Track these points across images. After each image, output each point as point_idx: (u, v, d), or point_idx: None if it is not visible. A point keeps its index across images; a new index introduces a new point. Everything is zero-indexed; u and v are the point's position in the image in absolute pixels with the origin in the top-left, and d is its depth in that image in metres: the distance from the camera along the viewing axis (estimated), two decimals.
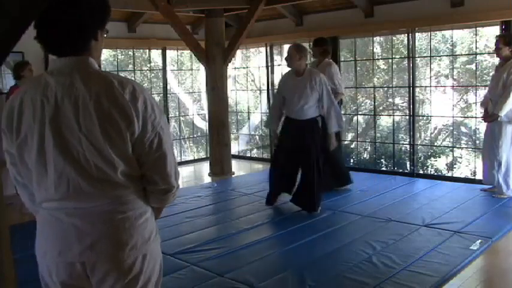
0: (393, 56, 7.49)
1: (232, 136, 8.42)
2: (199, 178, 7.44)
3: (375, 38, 7.35)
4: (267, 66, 8.32)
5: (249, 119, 9.27)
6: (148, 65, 8.54)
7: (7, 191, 4.90)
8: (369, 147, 8.08)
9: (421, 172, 7.12)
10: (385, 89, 7.77)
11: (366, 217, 4.80)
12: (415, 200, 5.41)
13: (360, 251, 3.88)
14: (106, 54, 8.10)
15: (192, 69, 8.95)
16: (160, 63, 8.30)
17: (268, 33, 7.91)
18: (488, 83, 5.55)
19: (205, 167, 7.71)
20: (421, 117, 7.52)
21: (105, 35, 1.62)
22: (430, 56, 6.90)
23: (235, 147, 8.78)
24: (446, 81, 7.74)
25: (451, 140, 7.55)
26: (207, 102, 7.47)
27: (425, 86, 7.16)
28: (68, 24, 1.50)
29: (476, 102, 6.43)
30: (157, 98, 7.81)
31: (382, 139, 7.73)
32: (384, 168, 7.48)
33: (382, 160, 7.74)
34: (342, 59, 7.49)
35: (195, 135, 9.39)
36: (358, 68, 7.46)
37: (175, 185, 1.65)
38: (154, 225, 1.67)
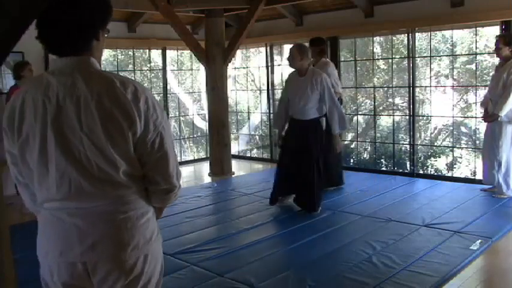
0: (393, 56, 7.49)
1: (232, 136, 8.42)
2: (199, 178, 7.44)
3: (375, 38, 7.35)
4: (267, 66, 8.32)
5: (249, 119, 9.27)
6: (148, 65, 8.54)
7: (7, 191, 4.91)
8: (369, 147, 8.08)
9: (421, 172, 7.12)
10: (385, 89, 7.77)
11: (366, 217, 4.80)
12: (415, 200, 5.41)
13: (360, 251, 3.88)
14: (106, 54, 8.09)
15: (192, 69, 8.95)
16: (160, 63, 8.30)
17: (268, 33, 7.91)
18: (488, 83, 5.55)
19: (205, 167, 7.72)
20: (421, 117, 7.52)
21: (106, 35, 1.62)
22: (430, 56, 6.90)
23: (235, 147, 8.78)
24: (446, 81, 7.74)
25: (451, 140, 7.55)
26: (207, 102, 7.47)
27: (425, 86, 7.16)
28: (68, 24, 1.50)
29: (476, 102, 6.43)
30: (157, 98, 7.78)
31: (382, 139, 7.73)
32: (383, 168, 7.48)
33: (382, 160, 7.74)
34: (342, 59, 7.49)
35: (195, 135, 9.39)
36: (358, 68, 7.46)
37: (177, 185, 1.65)
38: (156, 225, 1.67)
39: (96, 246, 1.51)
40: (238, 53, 8.58)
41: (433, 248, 3.87)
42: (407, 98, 7.09)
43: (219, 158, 7.22)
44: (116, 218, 1.53)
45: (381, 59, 8.11)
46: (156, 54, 8.39)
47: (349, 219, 4.78)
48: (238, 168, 7.74)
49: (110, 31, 1.64)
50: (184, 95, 9.09)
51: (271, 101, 8.40)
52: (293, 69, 5.10)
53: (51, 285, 1.60)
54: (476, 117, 6.51)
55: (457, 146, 7.40)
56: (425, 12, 6.20)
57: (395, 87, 7.61)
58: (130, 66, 8.42)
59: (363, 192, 5.74)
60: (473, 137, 7.16)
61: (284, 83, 5.51)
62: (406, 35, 6.63)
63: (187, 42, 6.81)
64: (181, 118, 8.99)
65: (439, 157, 7.77)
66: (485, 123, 5.43)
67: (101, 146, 1.48)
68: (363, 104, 8.14)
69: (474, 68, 6.77)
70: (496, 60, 5.61)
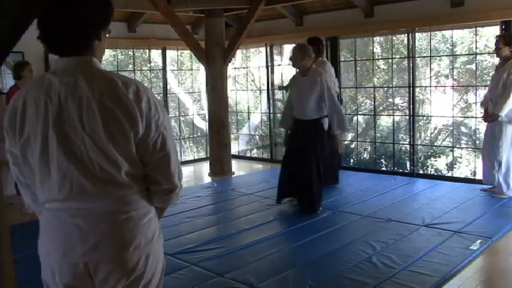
0: (393, 56, 7.49)
1: (232, 136, 8.42)
2: (199, 178, 7.44)
3: (375, 38, 7.35)
4: (267, 66, 8.31)
5: (249, 119, 9.27)
6: (148, 65, 8.54)
7: (7, 191, 4.91)
8: (369, 147, 8.08)
9: (421, 172, 7.12)
10: (385, 89, 7.77)
11: (366, 217, 4.80)
12: (415, 200, 5.41)
13: (360, 251, 3.88)
14: (106, 54, 8.09)
15: (192, 69, 8.95)
16: (160, 63, 8.30)
17: (268, 33, 7.91)
18: (488, 83, 5.55)
19: (205, 167, 7.72)
20: (421, 117, 7.52)
21: (107, 35, 1.62)
22: (430, 56, 6.90)
23: (235, 147, 8.78)
24: (446, 81, 7.74)
25: (451, 140, 7.54)
26: (207, 102, 7.47)
27: (425, 86, 7.16)
28: (67, 24, 1.49)
29: (476, 102, 6.43)
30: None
31: (382, 139, 7.73)
32: (384, 168, 7.48)
33: (382, 160, 7.74)
34: (342, 59, 7.49)
35: (195, 135, 9.39)
36: (358, 68, 7.45)
37: (179, 185, 1.65)
38: (158, 225, 1.67)
39: (98, 246, 1.51)
40: (238, 53, 8.58)
41: (433, 248, 3.87)
42: (407, 98, 7.09)
43: (219, 158, 7.22)
44: (117, 218, 1.53)
45: (381, 59, 8.11)
46: (156, 54, 8.39)
47: (349, 219, 4.78)
48: (238, 168, 7.74)
49: (111, 31, 1.63)
50: (184, 95, 9.09)
51: (271, 101, 8.40)
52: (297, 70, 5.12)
53: (52, 286, 1.60)
54: (476, 117, 6.51)
55: (457, 146, 7.40)
56: (425, 12, 6.20)
57: (395, 87, 7.61)
58: (130, 66, 8.42)
59: (363, 192, 5.74)
60: (473, 137, 7.16)
61: (289, 83, 5.57)
62: (406, 35, 6.62)
63: (187, 42, 6.81)
64: (181, 118, 8.99)
65: (439, 157, 7.77)
66: (485, 123, 5.43)
67: (103, 146, 1.48)
68: (363, 104, 8.14)
69: (474, 68, 6.77)
70: (496, 60, 5.61)
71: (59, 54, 1.54)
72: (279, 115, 8.67)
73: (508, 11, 5.47)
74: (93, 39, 1.55)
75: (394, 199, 5.40)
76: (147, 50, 8.23)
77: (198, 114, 9.14)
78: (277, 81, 8.30)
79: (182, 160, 8.42)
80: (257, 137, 9.38)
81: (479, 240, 3.99)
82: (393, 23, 6.55)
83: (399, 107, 8.08)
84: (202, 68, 7.86)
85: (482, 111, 5.48)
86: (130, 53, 8.30)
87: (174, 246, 4.05)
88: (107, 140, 1.48)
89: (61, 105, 1.48)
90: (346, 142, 7.94)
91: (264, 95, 8.54)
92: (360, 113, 8.11)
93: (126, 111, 1.48)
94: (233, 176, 7.23)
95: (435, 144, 7.98)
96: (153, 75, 8.74)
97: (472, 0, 5.86)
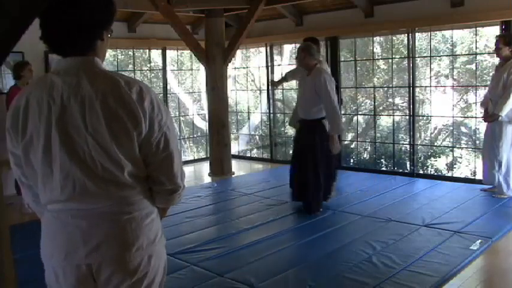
0: (393, 56, 7.49)
1: (232, 136, 8.42)
2: (199, 178, 7.44)
3: (375, 38, 7.35)
4: (267, 66, 8.31)
5: (249, 119, 9.27)
6: (148, 65, 8.54)
7: (7, 191, 4.92)
8: (369, 147, 8.08)
9: (421, 172, 7.12)
10: (385, 89, 7.77)
11: (366, 217, 4.80)
12: (415, 200, 5.41)
13: (360, 251, 3.88)
14: (106, 54, 8.09)
15: (192, 69, 8.95)
16: (160, 63, 8.30)
17: (268, 33, 7.91)
18: (488, 83, 5.55)
19: (205, 167, 7.72)
20: (421, 117, 7.52)
21: (109, 35, 1.61)
22: (430, 56, 6.90)
23: (235, 147, 8.78)
24: (446, 81, 7.74)
25: (451, 140, 7.54)
26: (207, 102, 7.47)
27: (425, 86, 7.15)
28: (67, 24, 1.49)
29: (476, 102, 6.43)
30: None
31: (382, 139, 7.73)
32: (384, 168, 7.48)
33: (382, 160, 7.74)
34: (342, 59, 7.49)
35: (195, 135, 9.39)
36: (358, 68, 7.45)
37: (182, 185, 1.64)
38: (160, 226, 1.66)
39: (101, 247, 1.50)
40: (238, 53, 8.58)
41: (433, 248, 3.87)
42: (407, 98, 7.09)
43: (219, 158, 7.22)
44: (120, 218, 1.52)
45: (381, 59, 8.11)
46: (156, 54, 8.39)
47: (349, 219, 4.78)
48: (238, 168, 7.74)
49: (113, 31, 1.63)
50: (184, 95, 9.09)
51: (271, 101, 8.41)
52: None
53: None
54: (476, 117, 6.51)
55: (457, 146, 7.40)
56: (425, 12, 6.20)
57: (396, 87, 7.61)
58: (130, 66, 8.42)
59: (363, 192, 5.74)
60: (473, 137, 7.16)
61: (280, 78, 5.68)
62: (406, 35, 6.62)
63: (187, 42, 6.81)
64: (181, 118, 8.99)
65: (439, 157, 7.77)
66: (485, 123, 5.43)
67: (106, 146, 1.48)
68: (363, 104, 8.14)
69: (474, 68, 6.77)
70: (496, 60, 5.61)
71: (61, 55, 1.54)
72: (279, 115, 8.68)
73: (508, 11, 5.47)
74: (95, 40, 1.55)
75: (394, 199, 5.40)
76: (147, 50, 8.23)
77: (198, 114, 9.14)
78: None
79: (182, 160, 8.40)
80: (257, 137, 9.38)
81: (479, 240, 3.99)
82: (393, 23, 6.55)
83: (399, 107, 8.08)
84: (202, 68, 7.86)
85: (482, 111, 5.48)
86: (130, 53, 8.30)
87: (174, 246, 4.05)
88: (110, 140, 1.47)
89: (64, 105, 1.48)
90: (346, 142, 7.95)
91: (264, 95, 8.55)
92: (360, 113, 8.10)
93: (129, 111, 1.47)
94: (233, 176, 7.23)
95: (435, 144, 7.98)
96: (153, 75, 8.74)
97: (472, 0, 5.86)
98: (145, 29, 7.56)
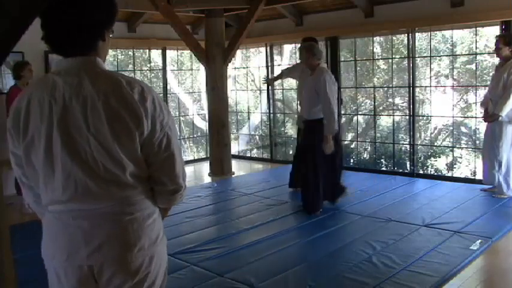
0: (393, 56, 7.49)
1: (232, 136, 8.42)
2: (199, 178, 7.44)
3: (375, 38, 7.35)
4: (267, 66, 8.31)
5: (249, 119, 9.27)
6: (148, 65, 8.54)
7: (7, 191, 4.92)
8: (369, 147, 8.08)
9: (421, 172, 7.12)
10: (385, 89, 7.77)
11: (366, 217, 4.80)
12: (415, 200, 5.41)
13: (360, 251, 3.88)
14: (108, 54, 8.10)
15: (192, 69, 8.95)
16: (160, 63, 8.30)
17: (268, 33, 7.91)
18: (488, 83, 5.55)
19: (205, 167, 7.72)
20: (421, 117, 7.52)
21: (111, 35, 1.61)
22: (430, 56, 6.90)
23: (235, 147, 8.78)
24: (446, 81, 7.74)
25: (451, 140, 7.54)
26: (207, 102, 7.47)
27: (425, 86, 7.16)
28: (68, 24, 1.49)
29: (476, 102, 6.43)
30: None
31: (382, 139, 7.73)
32: (384, 168, 7.48)
33: (382, 160, 7.74)
34: (342, 59, 7.49)
35: (195, 135, 9.39)
36: (358, 68, 7.46)
37: (183, 185, 1.64)
38: (161, 226, 1.67)
39: (102, 247, 1.50)
40: (238, 53, 8.58)
41: (433, 248, 3.87)
42: (407, 98, 7.09)
43: (219, 158, 7.22)
44: (122, 219, 1.52)
45: (381, 59, 8.11)
46: (156, 54, 8.39)
47: (349, 219, 4.78)
48: (238, 168, 7.74)
49: (114, 31, 1.63)
50: (184, 95, 9.09)
51: (271, 101, 8.41)
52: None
53: None
54: (476, 117, 6.51)
55: (457, 146, 7.39)
56: (425, 12, 6.20)
57: (396, 87, 7.61)
58: (130, 66, 8.42)
59: (363, 192, 5.74)
60: (473, 137, 7.16)
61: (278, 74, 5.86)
62: (406, 35, 6.62)
63: (187, 42, 6.81)
64: (181, 118, 8.98)
65: (439, 157, 7.77)
66: (486, 123, 5.43)
67: (108, 146, 1.47)
68: (363, 104, 8.14)
69: (474, 68, 6.77)
70: (496, 60, 5.61)
71: (62, 55, 1.54)
72: (279, 115, 8.69)
73: (508, 11, 5.47)
74: (96, 40, 1.54)
75: (394, 199, 5.40)
76: (147, 50, 8.23)
77: (198, 114, 9.14)
78: (277, 82, 8.26)
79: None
80: (257, 137, 9.38)
81: (479, 240, 3.99)
82: (393, 23, 6.55)
83: (399, 107, 8.08)
84: (202, 68, 7.86)
85: (482, 111, 5.48)
86: (130, 53, 8.30)
87: (174, 246, 4.04)
88: (111, 140, 1.47)
89: (65, 106, 1.47)
90: (346, 142, 7.95)
91: (264, 95, 8.55)
92: (360, 113, 8.11)
93: (131, 111, 1.47)
94: (233, 176, 7.23)
95: (435, 144, 7.98)
96: (153, 75, 8.74)
97: (472, 0, 5.86)
98: (145, 29, 7.56)
